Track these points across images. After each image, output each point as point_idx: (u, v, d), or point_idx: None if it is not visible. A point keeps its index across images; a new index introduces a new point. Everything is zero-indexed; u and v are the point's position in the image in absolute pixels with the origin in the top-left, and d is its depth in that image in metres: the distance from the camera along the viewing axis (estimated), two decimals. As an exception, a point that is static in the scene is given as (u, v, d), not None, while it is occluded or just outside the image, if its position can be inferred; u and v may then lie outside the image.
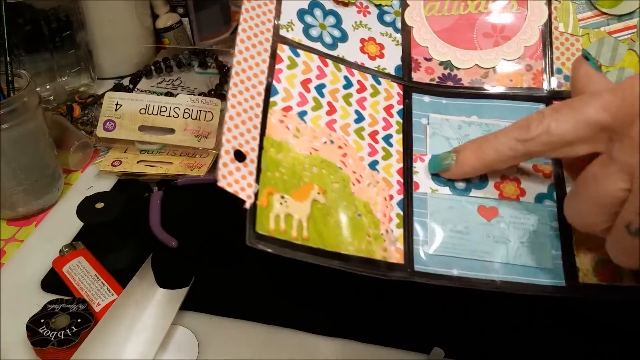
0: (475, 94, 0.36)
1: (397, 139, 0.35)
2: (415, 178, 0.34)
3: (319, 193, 0.30)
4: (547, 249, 0.32)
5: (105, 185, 0.57)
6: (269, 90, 0.32)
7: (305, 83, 0.34)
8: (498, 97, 0.36)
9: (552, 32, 0.37)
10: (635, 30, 0.36)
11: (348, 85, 0.35)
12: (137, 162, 0.57)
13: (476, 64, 0.37)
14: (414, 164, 0.34)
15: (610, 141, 0.27)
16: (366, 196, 0.32)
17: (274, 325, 0.43)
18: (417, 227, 0.32)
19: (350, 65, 0.36)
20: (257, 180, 0.29)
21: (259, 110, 0.31)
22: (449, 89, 0.37)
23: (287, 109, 0.33)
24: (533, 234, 0.32)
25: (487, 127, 0.35)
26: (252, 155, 0.30)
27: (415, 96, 0.36)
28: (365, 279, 0.32)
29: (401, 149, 0.34)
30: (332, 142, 0.33)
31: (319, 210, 0.30)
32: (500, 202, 0.33)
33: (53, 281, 0.46)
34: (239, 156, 0.29)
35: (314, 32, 0.36)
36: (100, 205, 0.49)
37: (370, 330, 0.43)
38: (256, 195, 0.29)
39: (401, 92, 0.36)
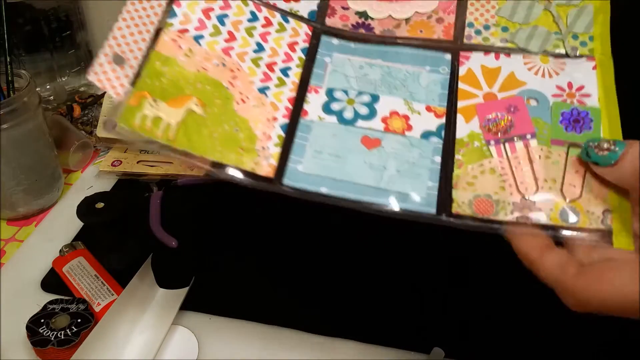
0: (384, 41, 0.38)
1: (296, 72, 0.37)
2: (305, 106, 0.36)
3: (196, 104, 0.33)
4: (424, 180, 0.33)
5: (105, 185, 0.57)
6: (168, 12, 0.35)
7: (207, 11, 0.36)
8: (406, 45, 0.38)
9: None
10: None
11: (253, 19, 0.37)
12: (137, 162, 0.58)
13: (390, 15, 0.39)
14: (308, 94, 0.36)
15: None
16: (249, 115, 0.34)
17: (274, 325, 0.43)
18: (295, 148, 0.34)
19: (259, 2, 0.38)
20: (133, 84, 0.32)
21: (152, 27, 0.34)
22: (359, 35, 0.39)
23: (184, 31, 0.35)
24: (412, 165, 0.33)
25: (388, 70, 0.37)
26: (133, 62, 0.32)
27: (324, 38, 0.38)
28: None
29: (297, 81, 0.36)
30: (224, 64, 0.35)
31: (194, 120, 0.32)
32: (385, 134, 0.34)
33: (53, 281, 0.47)
34: (118, 59, 0.32)
35: None
36: (100, 205, 0.50)
37: (370, 330, 0.43)
38: (128, 95, 0.31)
39: (310, 33, 0.38)
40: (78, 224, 0.52)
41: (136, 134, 0.31)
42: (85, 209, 0.50)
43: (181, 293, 0.44)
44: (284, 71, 0.36)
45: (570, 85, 0.35)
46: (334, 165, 0.33)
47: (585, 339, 0.41)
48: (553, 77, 0.35)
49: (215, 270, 0.48)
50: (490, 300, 0.44)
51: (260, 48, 0.37)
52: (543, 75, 0.35)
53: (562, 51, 0.36)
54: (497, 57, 0.37)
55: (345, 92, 0.36)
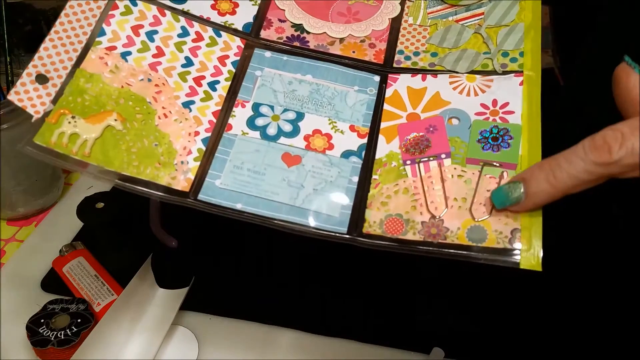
0: (317, 57, 0.40)
1: (224, 85, 0.38)
2: (230, 120, 0.37)
3: (116, 120, 0.34)
4: (339, 200, 0.34)
5: (105, 185, 0.57)
6: (97, 31, 0.37)
7: (136, 28, 0.37)
8: (337, 62, 0.40)
9: (401, 24, 0.42)
10: (482, 16, 0.40)
11: (184, 34, 0.38)
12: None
13: (325, 32, 0.41)
14: (235, 109, 0.37)
15: None
16: (170, 129, 0.35)
17: (274, 325, 0.43)
18: (215, 163, 0.35)
19: (192, 18, 0.39)
20: (55, 102, 0.34)
21: (79, 46, 0.35)
22: (294, 48, 0.40)
23: (111, 48, 0.36)
24: (329, 184, 0.34)
25: (317, 87, 0.38)
26: (56, 81, 0.34)
27: (257, 51, 0.40)
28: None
29: (224, 94, 0.38)
30: (149, 80, 0.36)
31: (113, 136, 0.34)
32: (306, 152, 0.35)
33: (53, 281, 0.48)
34: (41, 79, 0.33)
35: None
36: (100, 205, 0.50)
37: (370, 330, 0.43)
38: (48, 113, 0.33)
39: (242, 46, 0.40)
40: (78, 224, 0.53)
41: (51, 151, 0.33)
42: (85, 209, 0.50)
43: (181, 293, 0.45)
44: (212, 85, 0.38)
45: (494, 102, 0.36)
46: (251, 182, 0.34)
47: (585, 338, 0.41)
48: (478, 95, 0.36)
49: (215, 270, 0.48)
50: (490, 300, 0.44)
51: (188, 62, 0.38)
52: (468, 94, 0.37)
53: (491, 69, 0.37)
54: (423, 79, 0.39)
55: (272, 107, 0.38)
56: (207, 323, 0.45)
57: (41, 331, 0.41)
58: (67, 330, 0.41)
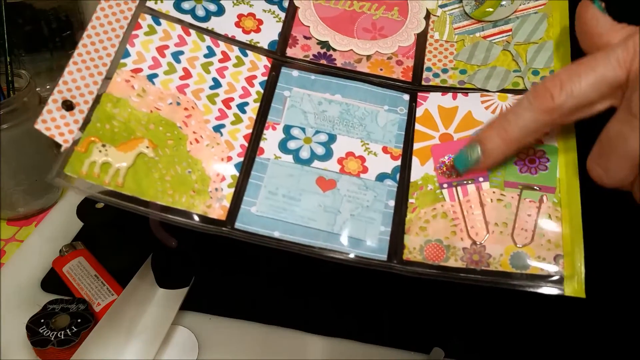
0: (345, 75, 0.39)
1: (253, 107, 0.37)
2: (262, 144, 0.35)
3: (147, 147, 0.32)
4: (377, 225, 0.33)
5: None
6: (121, 53, 0.35)
7: (161, 49, 0.36)
8: (365, 80, 0.38)
9: (427, 40, 0.41)
10: (509, 33, 0.39)
11: (210, 54, 0.37)
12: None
13: (352, 49, 0.40)
14: (265, 131, 0.36)
15: (623, 95, 0.28)
16: (202, 155, 0.34)
17: (274, 325, 0.43)
18: (249, 189, 0.34)
19: (217, 37, 0.38)
20: (83, 129, 0.32)
21: (104, 69, 0.34)
22: (321, 66, 0.39)
23: (137, 70, 0.35)
24: (365, 209, 0.33)
25: (347, 107, 0.37)
26: (82, 107, 0.32)
27: (284, 70, 0.38)
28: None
29: (254, 117, 0.36)
30: (178, 104, 0.35)
31: (145, 163, 0.32)
32: (340, 175, 0.34)
33: (53, 281, 0.48)
34: (67, 105, 0.32)
35: (186, 5, 0.38)
36: (100, 205, 0.50)
37: (370, 330, 0.43)
38: (77, 141, 0.31)
39: (269, 65, 0.38)
40: (78, 224, 0.53)
41: (82, 182, 0.31)
42: (85, 209, 0.50)
43: (181, 293, 0.45)
44: (241, 107, 0.36)
45: None
46: (287, 208, 0.33)
47: (585, 338, 0.41)
48: None
49: (215, 270, 0.48)
50: (490, 300, 0.44)
51: (216, 84, 0.37)
52: None
53: (522, 88, 0.36)
54: (454, 97, 0.37)
55: (303, 129, 0.36)
56: (207, 323, 0.45)
57: (41, 331, 0.41)
58: (67, 330, 0.41)
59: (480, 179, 0.33)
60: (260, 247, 0.50)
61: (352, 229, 0.33)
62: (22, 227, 0.55)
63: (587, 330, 0.43)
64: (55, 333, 0.41)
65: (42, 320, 0.42)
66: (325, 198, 0.34)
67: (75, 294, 0.46)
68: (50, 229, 0.55)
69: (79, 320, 0.42)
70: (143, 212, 0.32)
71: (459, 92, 0.38)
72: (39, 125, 0.31)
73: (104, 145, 0.32)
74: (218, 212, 0.33)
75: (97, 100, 0.33)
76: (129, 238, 0.52)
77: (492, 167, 0.33)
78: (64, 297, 0.45)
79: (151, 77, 0.35)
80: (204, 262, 0.49)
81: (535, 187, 0.32)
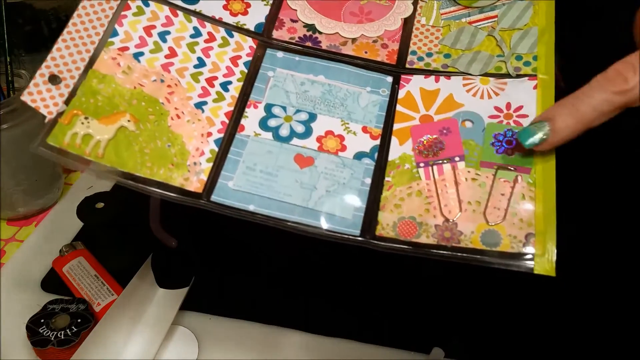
0: (330, 57, 0.39)
1: (236, 86, 0.38)
2: (243, 121, 0.36)
3: (129, 121, 0.34)
4: (352, 201, 0.34)
5: (105, 185, 0.58)
6: (109, 32, 0.36)
7: (148, 28, 0.37)
8: (349, 63, 0.39)
9: (414, 25, 0.41)
10: (495, 19, 0.39)
11: (196, 35, 0.38)
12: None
13: (338, 32, 0.40)
14: (247, 109, 0.37)
15: None
16: (182, 130, 0.35)
17: (274, 325, 0.43)
18: (227, 164, 0.35)
19: (204, 18, 0.39)
20: (68, 103, 0.33)
21: (92, 47, 0.35)
22: (306, 48, 0.40)
23: (124, 49, 0.36)
24: (342, 186, 0.34)
25: (329, 87, 0.38)
26: (69, 81, 0.34)
27: (269, 51, 0.39)
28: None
29: (237, 95, 0.37)
30: (162, 81, 0.36)
31: (126, 137, 0.33)
32: (318, 153, 0.35)
33: (53, 281, 0.48)
34: (53, 79, 0.33)
35: None
36: (100, 205, 0.50)
37: (370, 330, 0.43)
38: (61, 114, 0.33)
39: (254, 46, 0.39)
40: (78, 224, 0.53)
41: (64, 152, 0.32)
42: (85, 209, 0.50)
43: (181, 293, 0.45)
44: (224, 85, 0.37)
45: (508, 105, 0.35)
46: (264, 183, 0.34)
47: (584, 338, 0.41)
48: (492, 98, 0.36)
49: (215, 270, 0.48)
50: (490, 300, 0.44)
51: (201, 63, 0.38)
52: (482, 97, 0.36)
53: (505, 72, 0.37)
54: (436, 80, 0.38)
55: (284, 108, 0.37)
56: (207, 323, 0.45)
57: (41, 331, 0.41)
58: (67, 330, 0.41)
59: (457, 159, 0.34)
60: (261, 247, 0.50)
61: (327, 204, 0.33)
62: (22, 227, 0.55)
63: (588, 332, 0.42)
64: (55, 333, 0.41)
65: (42, 320, 0.42)
66: (302, 175, 0.34)
67: (75, 294, 0.46)
68: (50, 229, 0.54)
69: (79, 320, 0.42)
70: (122, 182, 0.33)
71: (441, 75, 0.38)
72: (25, 97, 0.33)
73: (86, 118, 0.33)
74: (195, 185, 0.34)
75: (83, 76, 0.34)
76: (129, 238, 0.52)
77: (558, 145, 0.32)
78: (64, 297, 0.45)
79: (137, 56, 0.36)
80: (204, 262, 0.49)
81: (510, 168, 0.33)
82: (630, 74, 0.29)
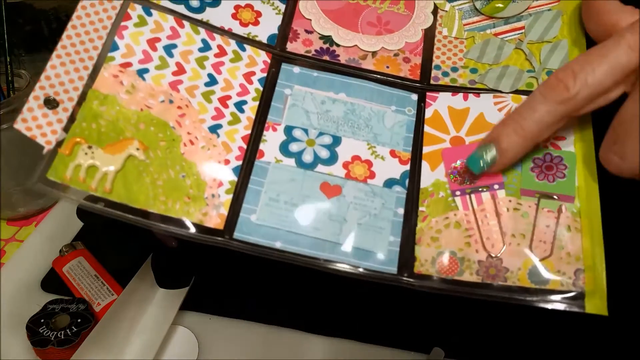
0: (350, 72, 0.35)
1: (252, 106, 0.33)
2: (262, 146, 0.32)
3: (138, 149, 0.29)
4: (386, 235, 0.30)
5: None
6: (108, 46, 0.31)
7: (152, 41, 0.32)
8: (371, 79, 0.35)
9: (435, 36, 0.37)
10: (522, 31, 0.35)
11: (205, 48, 0.34)
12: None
13: (357, 45, 0.36)
14: (265, 132, 0.33)
15: (636, 79, 0.27)
16: (197, 158, 0.31)
17: (274, 325, 0.43)
18: (249, 195, 0.31)
19: (212, 29, 0.35)
20: (67, 129, 0.29)
21: (90, 63, 0.31)
22: (324, 63, 0.36)
23: (126, 65, 0.31)
24: (373, 217, 0.31)
25: (352, 107, 0.34)
26: (67, 104, 0.29)
27: (285, 66, 0.35)
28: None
29: (253, 116, 0.33)
30: (171, 101, 0.32)
31: (135, 167, 0.29)
32: (346, 181, 0.32)
33: (53, 281, 0.46)
34: (50, 103, 0.29)
35: None
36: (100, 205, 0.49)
37: (370, 330, 0.43)
38: (60, 143, 0.28)
39: (268, 61, 0.35)
40: (78, 224, 0.50)
41: (67, 187, 0.28)
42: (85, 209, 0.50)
43: (181, 293, 0.44)
44: (239, 105, 0.33)
45: None
46: (290, 215, 0.30)
47: (584, 339, 0.41)
48: None
49: (215, 270, 0.48)
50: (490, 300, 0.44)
51: (212, 80, 0.33)
52: None
53: None
54: (465, 98, 0.34)
55: (306, 131, 0.33)
56: (207, 323, 0.43)
57: (41, 331, 0.39)
58: (67, 330, 0.39)
59: (496, 187, 0.30)
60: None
61: (359, 239, 0.30)
62: (22, 227, 0.53)
63: (588, 331, 0.40)
64: (55, 333, 0.39)
65: (42, 320, 0.39)
66: (330, 205, 0.31)
67: (75, 294, 0.43)
68: (50, 229, 0.52)
69: (79, 320, 0.40)
70: (133, 220, 0.28)
71: (470, 93, 0.34)
72: (19, 125, 0.28)
73: (90, 147, 0.28)
74: (215, 220, 0.30)
75: (82, 97, 0.30)
76: (129, 238, 0.52)
77: (507, 167, 0.30)
78: (64, 297, 0.42)
79: (141, 72, 0.32)
80: (204, 262, 0.46)
81: (553, 196, 0.30)
82: (570, 80, 0.27)
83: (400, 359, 0.41)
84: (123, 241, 0.51)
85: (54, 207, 0.56)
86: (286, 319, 0.43)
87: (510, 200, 0.30)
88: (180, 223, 0.29)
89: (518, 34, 0.36)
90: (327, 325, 0.43)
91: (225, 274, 0.47)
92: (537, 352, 0.41)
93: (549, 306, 0.27)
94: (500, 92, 0.34)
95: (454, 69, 0.36)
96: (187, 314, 0.43)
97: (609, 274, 0.28)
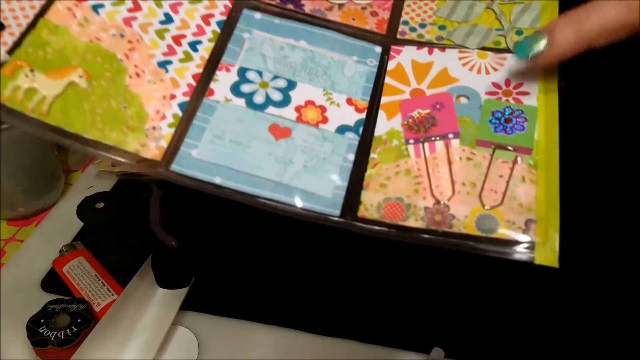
0: (313, 22, 0.35)
1: (206, 47, 0.33)
2: (212, 85, 0.32)
3: (81, 77, 0.30)
4: (332, 179, 0.30)
5: (105, 185, 0.57)
6: None
7: None
8: (335, 29, 0.35)
9: None
10: None
11: None
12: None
13: None
14: (217, 72, 0.33)
15: None
16: (142, 90, 0.31)
17: (274, 325, 0.42)
18: (192, 130, 0.30)
19: None
20: (12, 53, 0.29)
21: None
22: (287, 11, 0.35)
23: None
24: (322, 161, 0.30)
25: (311, 54, 0.34)
26: (14, 29, 0.30)
27: (246, 12, 0.35)
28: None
29: (207, 57, 0.33)
30: (122, 35, 0.32)
31: (76, 94, 0.29)
32: (296, 124, 0.31)
33: (53, 281, 0.46)
34: None
35: None
36: (100, 205, 0.49)
37: (370, 330, 0.42)
38: (2, 64, 0.29)
39: (229, 5, 0.35)
40: (78, 224, 0.50)
41: (3, 106, 0.28)
42: (85, 209, 0.49)
43: (181, 293, 0.44)
44: (193, 45, 0.33)
45: (507, 82, 0.32)
46: (233, 153, 0.30)
47: (584, 338, 0.41)
48: (490, 74, 0.32)
49: (215, 270, 0.48)
50: (489, 300, 0.44)
51: (168, 19, 0.33)
52: (479, 72, 0.33)
53: (504, 47, 0.33)
54: (430, 52, 0.34)
55: (260, 73, 0.33)
56: (207, 323, 0.43)
57: (41, 331, 0.39)
58: (67, 330, 0.39)
59: (450, 136, 0.30)
60: (261, 247, 0.50)
61: (304, 180, 0.29)
62: (22, 227, 0.53)
63: (589, 331, 0.40)
64: (55, 333, 0.38)
65: (42, 320, 0.39)
66: (277, 147, 0.30)
67: (75, 294, 0.43)
68: (50, 229, 0.52)
69: (79, 320, 0.40)
70: (67, 144, 0.29)
71: (435, 47, 0.34)
72: None
73: (32, 71, 0.29)
74: (153, 152, 0.29)
75: (32, 25, 0.30)
76: (129, 238, 0.51)
77: (554, 61, 0.29)
78: (64, 297, 0.42)
79: (96, 7, 0.32)
80: (204, 262, 0.47)
81: (509, 147, 0.29)
82: None
83: (400, 359, 0.41)
84: (123, 241, 0.51)
85: (54, 207, 0.56)
86: (286, 318, 0.43)
87: (464, 150, 0.30)
88: (115, 151, 0.29)
89: None
90: (327, 325, 0.42)
91: (225, 274, 0.47)
92: (537, 351, 0.41)
93: (495, 255, 0.27)
94: (467, 47, 0.34)
95: (422, 25, 0.36)
96: (187, 314, 0.43)
97: (563, 228, 0.27)
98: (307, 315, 0.43)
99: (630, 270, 0.43)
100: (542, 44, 0.28)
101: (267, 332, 0.42)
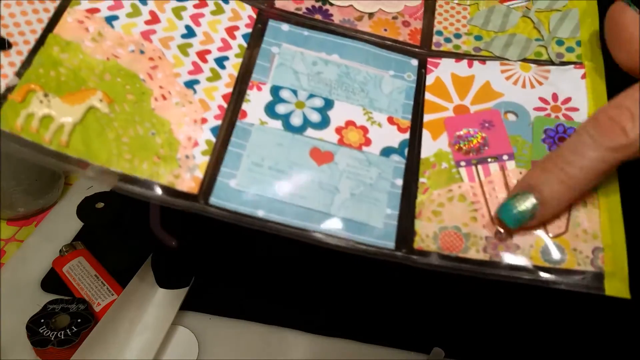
0: (344, 33, 0.32)
1: (234, 63, 0.30)
2: (244, 106, 0.29)
3: (101, 100, 0.26)
4: (382, 206, 0.27)
5: (105, 185, 0.57)
6: None
7: None
8: (368, 41, 0.32)
9: (436, 1, 0.35)
10: None
11: None
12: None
13: (352, 5, 0.34)
14: (248, 91, 0.29)
15: None
16: (170, 114, 0.27)
17: (274, 325, 0.42)
18: (228, 158, 0.27)
19: None
20: (21, 75, 0.25)
21: (51, 5, 0.27)
22: (315, 22, 0.32)
23: (93, 10, 0.28)
24: (368, 187, 0.27)
25: (346, 69, 0.30)
26: (22, 47, 0.26)
27: (272, 23, 0.32)
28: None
29: (235, 74, 0.30)
30: (142, 52, 0.28)
31: (97, 120, 0.25)
32: (338, 147, 0.28)
33: (53, 281, 0.44)
34: (2, 44, 0.26)
35: None
36: (100, 205, 0.49)
37: (370, 330, 0.42)
38: (11, 89, 0.25)
39: (254, 16, 0.32)
40: (78, 224, 0.48)
41: (17, 138, 0.24)
42: (85, 209, 0.49)
43: (181, 293, 0.42)
44: (220, 61, 0.30)
45: (555, 97, 0.29)
46: (274, 183, 0.27)
47: (584, 338, 0.41)
48: (535, 88, 0.30)
49: (215, 270, 0.48)
50: (489, 300, 0.44)
51: (190, 32, 0.30)
52: (524, 86, 0.30)
53: (546, 58, 0.31)
54: (470, 65, 0.31)
55: (294, 92, 0.30)
56: (207, 323, 0.41)
57: (41, 331, 0.37)
58: (67, 330, 0.37)
59: (505, 157, 0.27)
60: (261, 247, 0.50)
61: (352, 210, 0.27)
62: (22, 227, 0.50)
63: (589, 329, 0.39)
64: (55, 333, 0.36)
65: (42, 320, 0.37)
66: (320, 173, 0.27)
67: (75, 294, 0.41)
68: (50, 229, 0.49)
69: (79, 320, 0.38)
70: (96, 179, 0.25)
71: (475, 60, 0.32)
72: None
73: (46, 95, 0.25)
74: (189, 184, 0.26)
75: (40, 41, 0.26)
76: (129, 238, 0.50)
77: (550, 218, 0.26)
78: (64, 297, 0.40)
79: (110, 20, 0.28)
80: (204, 262, 0.44)
81: None
82: (628, 122, 0.22)
83: (400, 359, 0.41)
84: (123, 241, 0.51)
85: (54, 207, 0.55)
86: (286, 319, 0.42)
87: (520, 172, 0.27)
88: (147, 185, 0.26)
89: (525, 2, 0.34)
90: (327, 325, 0.42)
91: (225, 274, 0.47)
92: (537, 351, 0.41)
93: (564, 287, 0.24)
94: (508, 60, 0.31)
95: (457, 36, 0.33)
96: (187, 314, 0.42)
97: (630, 255, 0.24)
98: (307, 315, 0.42)
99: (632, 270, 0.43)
100: (530, 204, 0.25)
101: (267, 332, 0.42)
